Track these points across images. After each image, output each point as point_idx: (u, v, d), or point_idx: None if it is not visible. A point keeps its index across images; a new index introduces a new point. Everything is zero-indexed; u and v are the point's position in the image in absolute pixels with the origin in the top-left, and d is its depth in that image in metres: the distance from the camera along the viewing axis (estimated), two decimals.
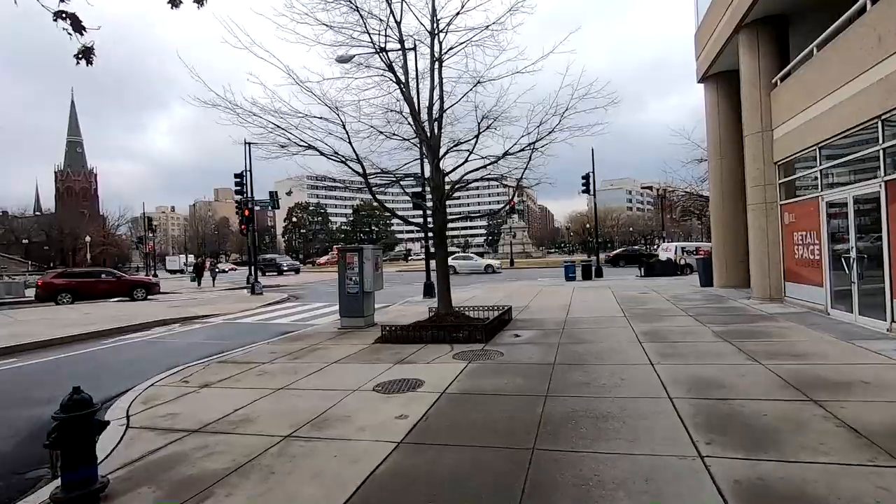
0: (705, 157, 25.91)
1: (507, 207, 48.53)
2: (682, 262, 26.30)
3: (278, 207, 25.00)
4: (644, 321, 9.89)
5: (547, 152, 10.58)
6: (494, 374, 6.44)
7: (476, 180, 11.23)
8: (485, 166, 10.05)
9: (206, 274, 35.41)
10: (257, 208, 23.53)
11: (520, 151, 9.73)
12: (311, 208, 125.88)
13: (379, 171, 10.66)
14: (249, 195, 23.19)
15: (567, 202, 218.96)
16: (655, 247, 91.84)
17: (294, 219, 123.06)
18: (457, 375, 6.39)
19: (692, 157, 25.98)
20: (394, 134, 10.38)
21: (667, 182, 26.75)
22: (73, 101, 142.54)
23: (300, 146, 8.60)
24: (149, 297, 23.35)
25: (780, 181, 11.16)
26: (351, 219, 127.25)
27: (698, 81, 15.63)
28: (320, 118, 8.78)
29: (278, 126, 8.34)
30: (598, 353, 7.30)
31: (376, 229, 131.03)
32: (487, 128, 10.17)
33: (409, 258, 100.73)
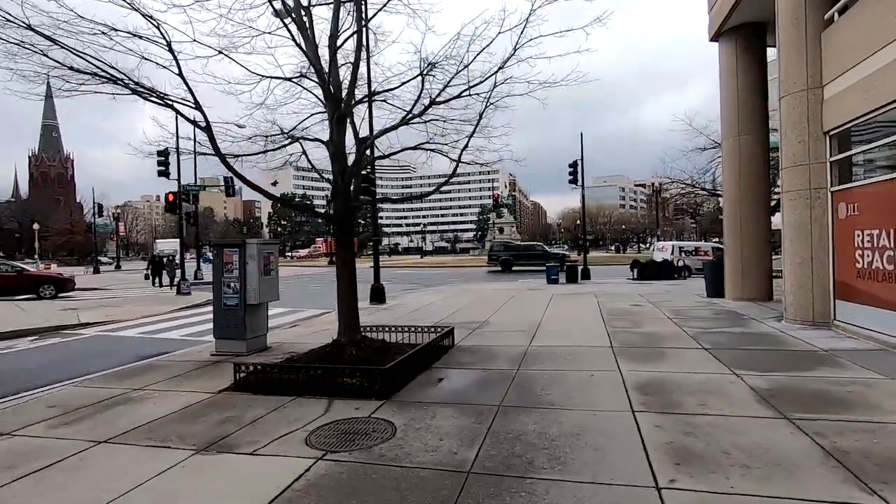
0: (709, 145, 22.79)
1: (492, 201, 45.25)
2: (680, 263, 23.20)
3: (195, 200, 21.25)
4: (638, 358, 6.67)
5: (504, 105, 7.37)
6: (347, 498, 3.19)
7: (407, 149, 7.94)
8: (405, 121, 6.75)
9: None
10: (186, 200, 20.03)
11: (453, 99, 6.47)
12: (296, 200, 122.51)
13: (263, 134, 7.34)
14: (209, 185, 19.75)
15: (560, 198, 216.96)
16: (648, 245, 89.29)
17: (279, 210, 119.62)
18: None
19: (694, 145, 22.87)
20: (291, 79, 7.08)
21: (665, 174, 23.62)
22: (48, 82, 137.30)
23: (83, 73, 5.25)
24: (60, 294, 19.90)
25: (833, 158, 7.97)
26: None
27: (711, 39, 12.40)
28: (131, 34, 5.43)
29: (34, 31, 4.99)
30: (559, 438, 4.05)
31: (362, 222, 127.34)
32: (427, 73, 6.88)
33: (394, 254, 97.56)
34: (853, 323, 7.50)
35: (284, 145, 7.33)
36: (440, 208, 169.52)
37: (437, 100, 6.51)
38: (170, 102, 5.77)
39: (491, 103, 7.16)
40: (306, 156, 7.82)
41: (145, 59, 5.42)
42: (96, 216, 44.04)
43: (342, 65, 7.25)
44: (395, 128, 6.92)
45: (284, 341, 9.02)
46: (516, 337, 8.52)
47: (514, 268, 32.53)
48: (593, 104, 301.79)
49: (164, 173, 19.03)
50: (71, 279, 20.82)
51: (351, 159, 7.33)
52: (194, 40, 6.02)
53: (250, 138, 7.93)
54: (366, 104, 7.71)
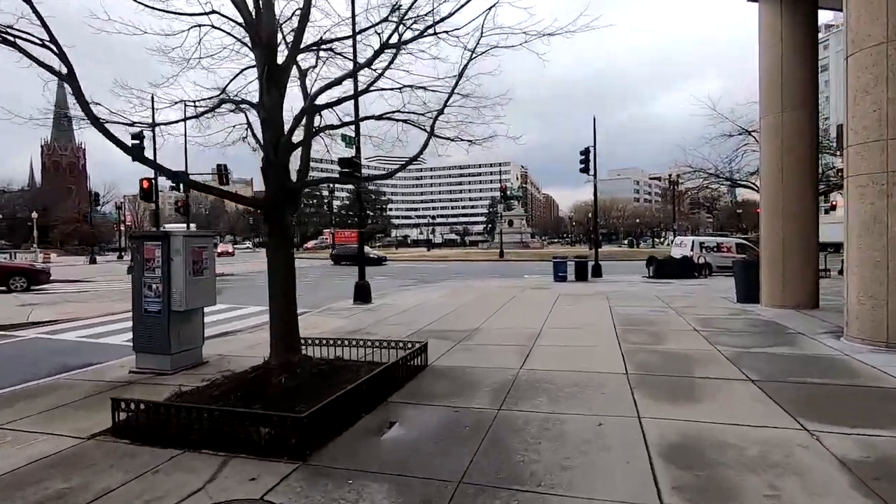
0: (735, 131, 20.79)
1: (500, 192, 43.55)
2: (701, 260, 21.27)
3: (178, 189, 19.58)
4: (664, 395, 4.98)
5: (498, 70, 5.76)
6: None
7: (369, 118, 6.29)
8: (356, 72, 5.12)
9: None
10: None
11: (413, 40, 4.82)
12: (305, 190, 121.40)
13: (189, 101, 5.75)
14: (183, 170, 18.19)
15: (572, 192, 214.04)
16: (662, 240, 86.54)
17: None
18: None
19: (718, 132, 20.82)
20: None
21: (686, 163, 21.60)
22: (59, 70, 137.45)
23: None
24: (32, 287, 18.66)
25: None
26: (346, 202, 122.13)
27: None
28: None
29: None
30: None
31: (371, 213, 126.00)
32: (393, 19, 5.22)
33: (402, 246, 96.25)
34: None
35: (208, 110, 5.72)
36: (450, 200, 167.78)
37: (391, 42, 4.83)
38: (10, 39, 4.18)
39: (476, 55, 5.50)
40: (250, 127, 6.20)
41: None
42: (93, 205, 43.08)
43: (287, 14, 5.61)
44: (339, 81, 5.29)
45: (231, 353, 7.48)
46: (507, 355, 6.86)
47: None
48: (608, 96, 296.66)
49: (139, 157, 17.47)
50: (45, 271, 19.56)
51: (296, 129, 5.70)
52: None
53: (175, 104, 6.36)
54: (317, 59, 6.05)
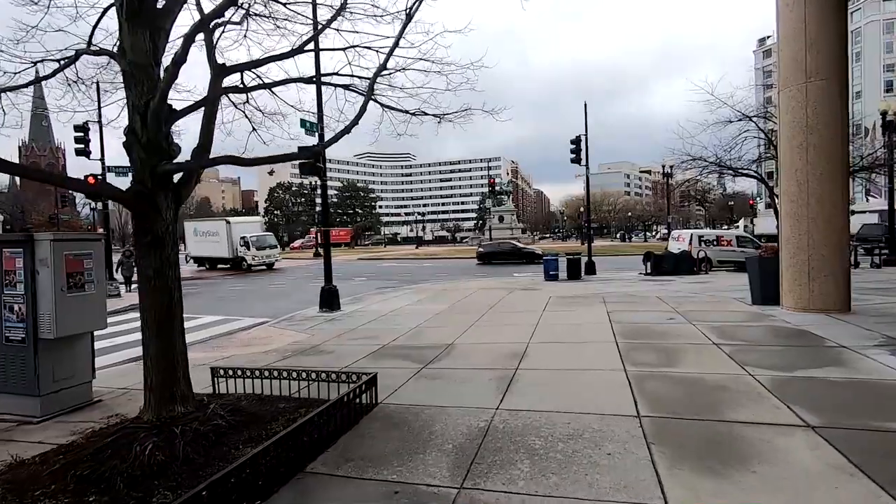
0: (734, 118, 19.43)
1: (488, 187, 41.98)
2: (701, 254, 19.93)
3: None
4: (698, 462, 3.49)
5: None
6: None
7: (291, 81, 4.75)
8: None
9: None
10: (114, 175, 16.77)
11: None
12: (293, 189, 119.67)
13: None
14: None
15: (564, 186, 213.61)
16: (655, 233, 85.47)
17: (276, 199, 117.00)
18: None
19: (715, 118, 19.40)
20: None
21: (682, 151, 20.18)
22: (36, 70, 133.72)
23: None
24: None
25: None
26: (334, 200, 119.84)
27: None
28: None
29: None
30: None
31: (360, 211, 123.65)
32: None
33: (392, 244, 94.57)
34: None
35: (63, 67, 4.14)
36: (441, 197, 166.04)
37: None
38: None
39: None
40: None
41: None
42: (59, 206, 41.02)
43: None
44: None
45: (140, 386, 5.89)
46: (482, 386, 5.37)
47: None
48: (599, 92, 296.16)
49: (84, 152, 15.75)
50: None
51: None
52: None
53: (35, 63, 4.77)
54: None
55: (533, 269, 23.82)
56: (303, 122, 11.49)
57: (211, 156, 4.52)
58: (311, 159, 3.69)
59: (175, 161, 3.96)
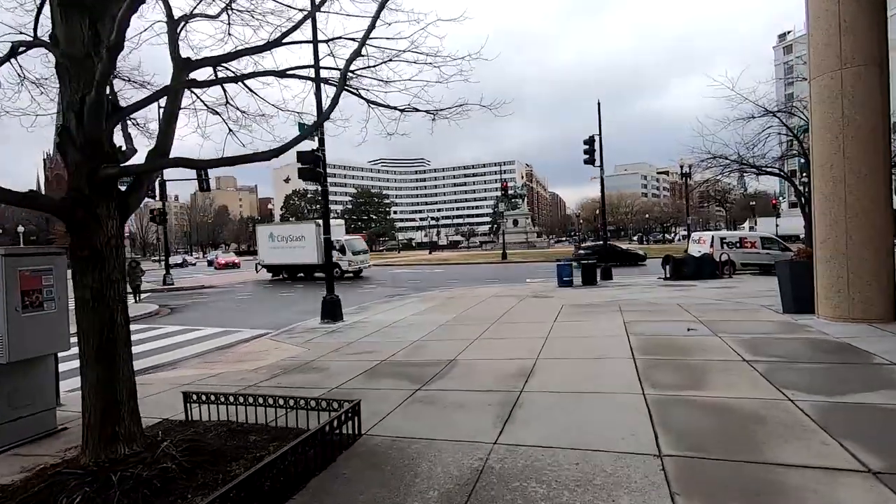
0: (756, 113, 18.54)
1: (501, 190, 41.32)
2: (724, 257, 18.99)
3: None
4: None
5: None
6: None
7: (263, 73, 4.26)
8: None
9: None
10: None
11: None
12: (308, 196, 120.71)
13: None
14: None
15: (579, 189, 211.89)
16: (673, 235, 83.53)
17: (291, 206, 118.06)
18: None
19: (736, 115, 18.52)
20: None
21: (702, 149, 19.30)
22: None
23: None
24: None
25: None
26: (349, 206, 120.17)
27: None
28: None
29: None
30: None
31: (375, 217, 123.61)
32: None
33: (406, 249, 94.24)
34: None
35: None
36: (455, 201, 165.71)
37: None
38: None
39: None
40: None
41: None
42: None
43: None
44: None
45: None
46: (481, 412, 4.76)
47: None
48: (615, 93, 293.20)
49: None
50: None
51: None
52: None
53: None
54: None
55: (541, 274, 23.09)
56: (300, 126, 11.08)
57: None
58: (268, 159, 3.20)
59: (121, 164, 3.48)
